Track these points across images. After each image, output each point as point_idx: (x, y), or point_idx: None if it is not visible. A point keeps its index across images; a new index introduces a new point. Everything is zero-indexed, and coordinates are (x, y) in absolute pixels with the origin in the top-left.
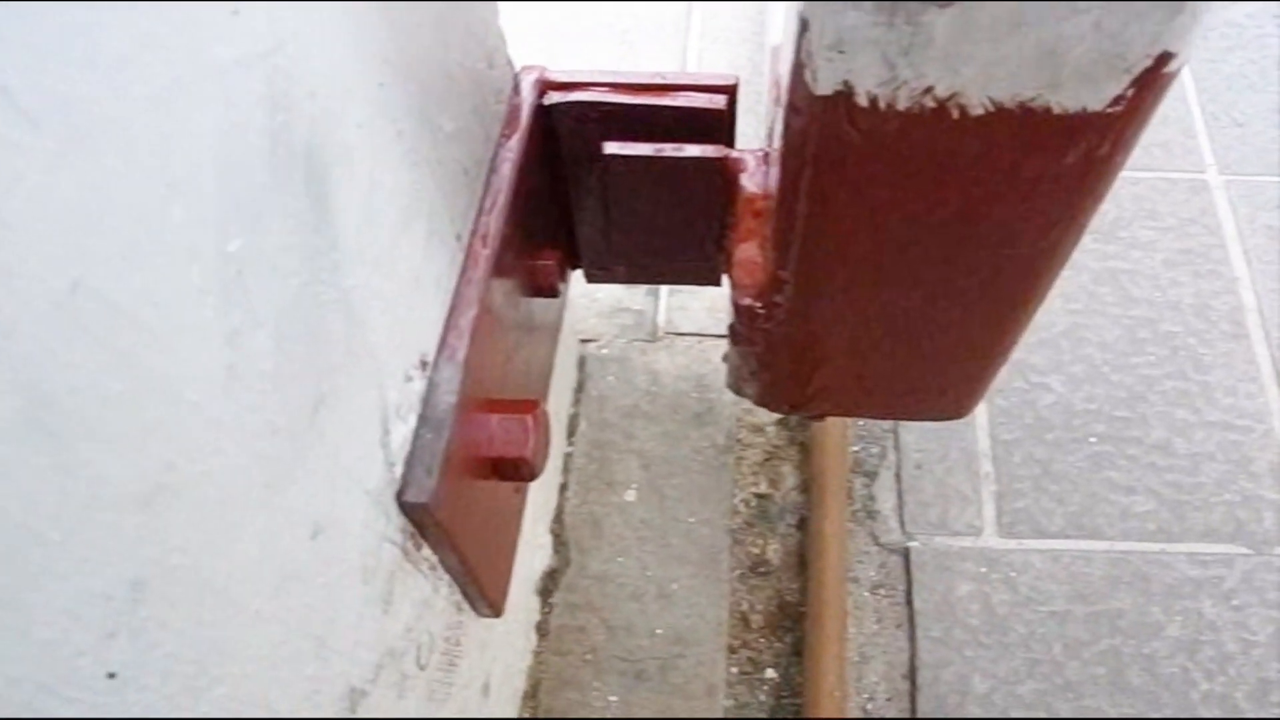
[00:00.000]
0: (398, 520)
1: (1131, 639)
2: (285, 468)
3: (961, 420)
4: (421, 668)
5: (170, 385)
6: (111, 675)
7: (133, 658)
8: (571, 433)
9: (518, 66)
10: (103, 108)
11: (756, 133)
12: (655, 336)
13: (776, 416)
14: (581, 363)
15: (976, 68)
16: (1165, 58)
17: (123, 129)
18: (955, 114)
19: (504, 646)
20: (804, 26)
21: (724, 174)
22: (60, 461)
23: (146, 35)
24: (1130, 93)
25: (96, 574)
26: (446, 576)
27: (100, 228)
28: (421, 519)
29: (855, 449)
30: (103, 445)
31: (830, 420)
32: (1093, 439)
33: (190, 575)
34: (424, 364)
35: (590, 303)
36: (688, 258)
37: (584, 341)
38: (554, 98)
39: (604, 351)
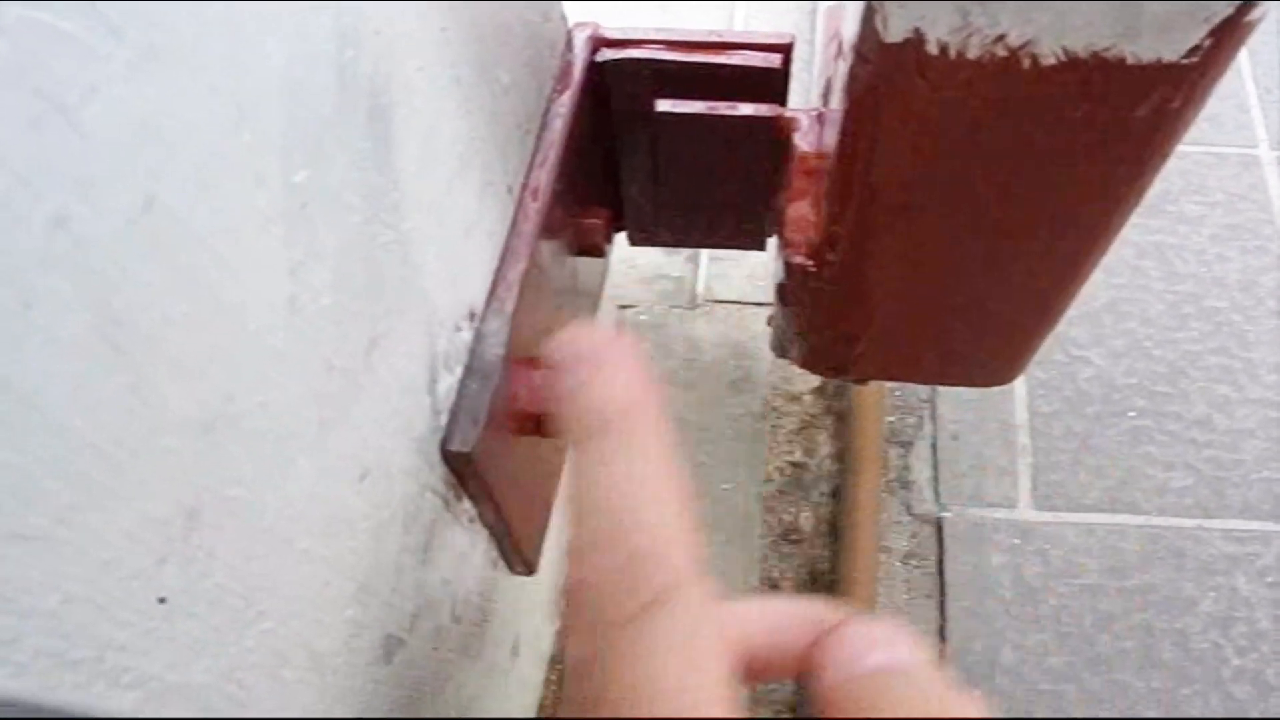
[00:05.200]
0: (440, 470)
1: (1164, 614)
2: (338, 407)
3: (999, 392)
4: (456, 621)
5: (234, 312)
6: (162, 600)
7: (183, 585)
8: None
9: (570, 23)
10: (179, 22)
11: (802, 100)
12: (694, 304)
13: (813, 385)
14: (620, 329)
15: (1051, 15)
16: (1247, 5)
17: (198, 46)
18: (1027, 63)
19: (534, 607)
20: None
21: (777, 133)
22: (127, 381)
23: None
24: (1208, 43)
25: (155, 498)
26: (484, 531)
27: (174, 145)
28: (464, 469)
29: (891, 419)
30: (168, 368)
31: (867, 389)
32: (1132, 413)
33: (243, 508)
34: (472, 315)
35: (630, 269)
36: (735, 219)
37: (622, 308)
38: (607, 54)
39: (642, 318)
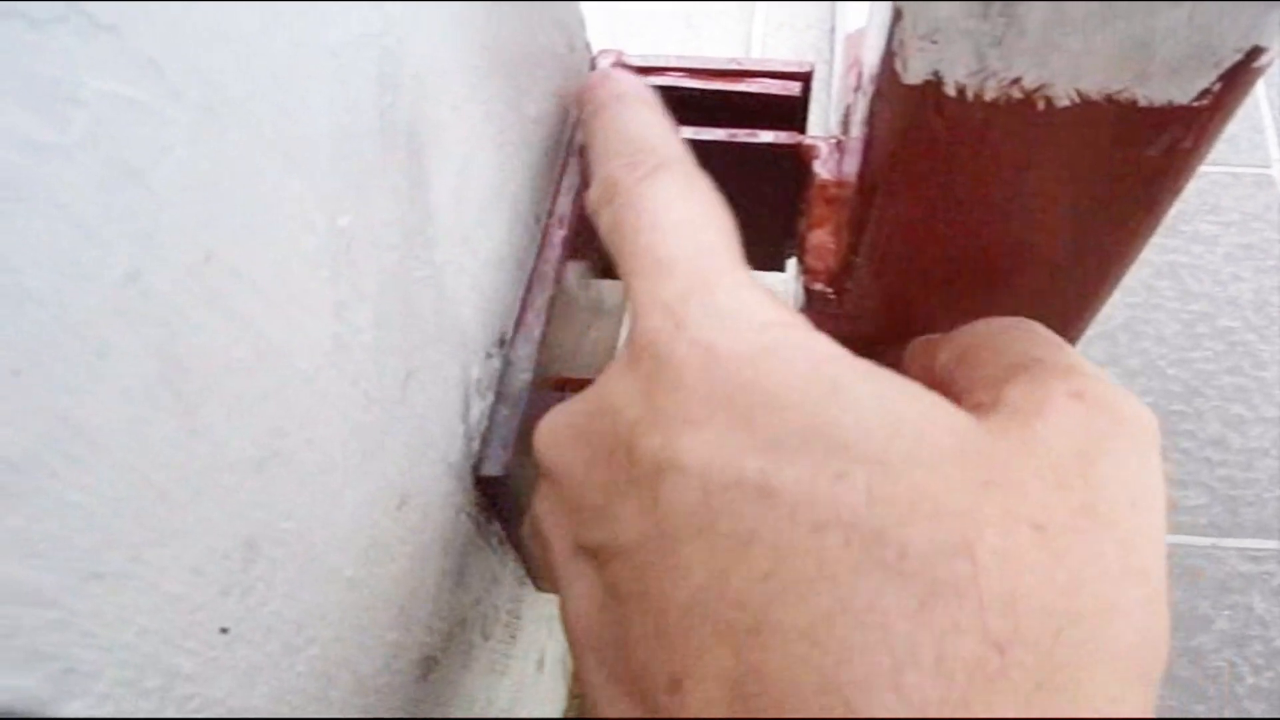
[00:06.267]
0: (473, 493)
1: (1179, 632)
2: (378, 438)
3: None
4: (486, 639)
5: (284, 353)
6: (224, 630)
7: (243, 615)
8: None
9: (593, 51)
10: (233, 82)
11: (820, 121)
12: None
13: None
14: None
15: (1066, 60)
16: (1256, 52)
17: (249, 104)
18: (1041, 105)
19: (558, 624)
20: (897, 15)
21: (797, 160)
22: (187, 424)
23: (274, 14)
24: (1217, 86)
25: (216, 533)
26: (513, 551)
27: (230, 199)
28: (495, 492)
29: None
30: (224, 409)
31: None
32: None
33: (295, 539)
34: (502, 341)
35: None
36: (755, 243)
37: None
38: None
39: None
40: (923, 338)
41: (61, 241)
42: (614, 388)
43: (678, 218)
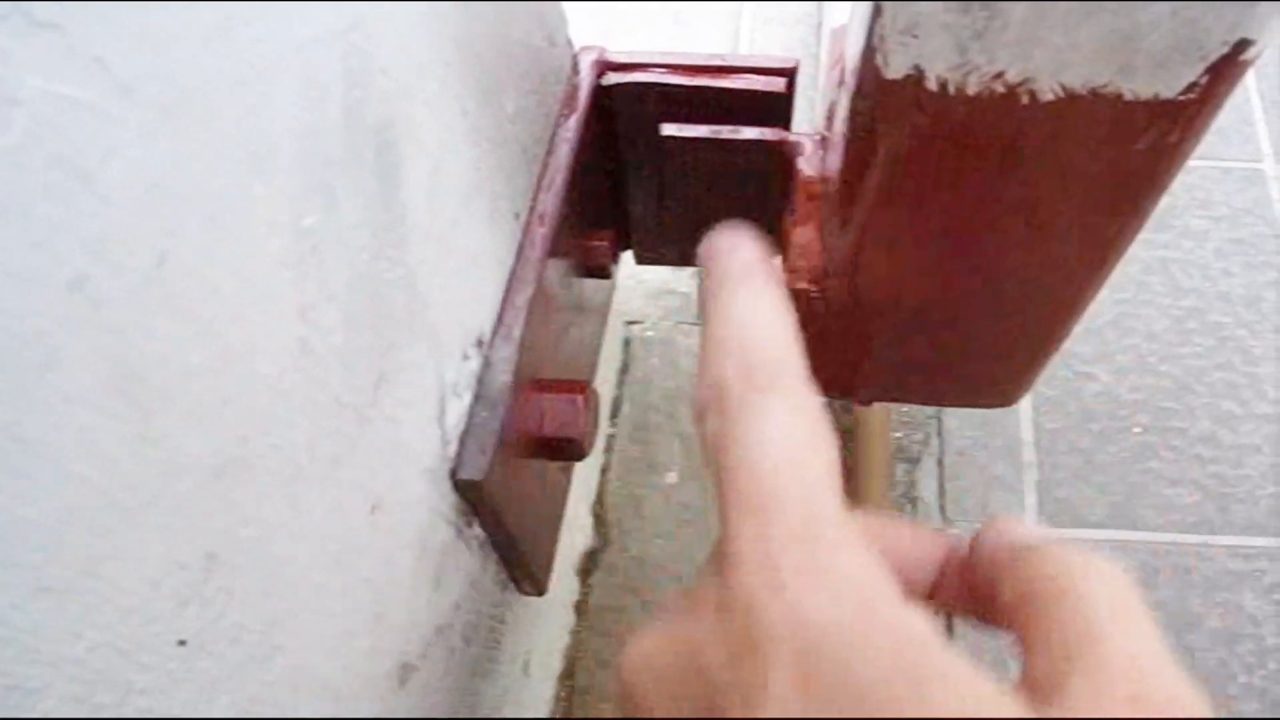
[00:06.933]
0: (451, 498)
1: (1170, 630)
2: (348, 443)
3: (1005, 409)
4: (468, 644)
5: (246, 358)
6: (182, 642)
7: (203, 627)
8: (615, 414)
9: (576, 47)
10: (190, 81)
11: (807, 116)
12: (701, 319)
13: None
14: (626, 344)
15: (1049, 53)
16: (1242, 45)
17: (208, 102)
18: (1025, 99)
19: (544, 626)
20: (877, 10)
21: (781, 157)
22: (142, 431)
23: (233, 11)
24: (1204, 80)
25: (173, 544)
26: (494, 554)
27: (187, 200)
28: (475, 496)
29: (898, 435)
30: (182, 416)
31: (873, 406)
32: (1137, 429)
33: (258, 547)
34: (480, 342)
35: (636, 284)
36: None
37: (629, 323)
38: (612, 78)
39: (649, 334)
40: (993, 529)
41: (4, 246)
42: (704, 637)
43: (783, 453)
